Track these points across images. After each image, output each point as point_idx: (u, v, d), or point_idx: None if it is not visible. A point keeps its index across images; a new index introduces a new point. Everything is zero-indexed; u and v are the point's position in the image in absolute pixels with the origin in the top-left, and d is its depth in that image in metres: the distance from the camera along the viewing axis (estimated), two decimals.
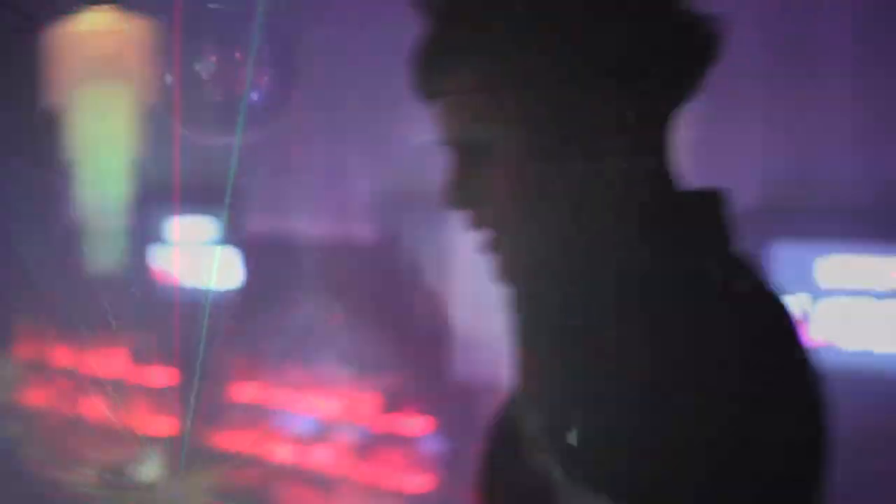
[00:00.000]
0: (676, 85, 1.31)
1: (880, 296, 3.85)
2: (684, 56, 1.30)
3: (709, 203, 1.32)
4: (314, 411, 5.43)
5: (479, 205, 1.33)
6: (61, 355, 6.42)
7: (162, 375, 6.07)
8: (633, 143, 1.28)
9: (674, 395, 1.14)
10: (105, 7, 5.97)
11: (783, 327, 1.25)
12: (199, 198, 5.75)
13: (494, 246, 1.34)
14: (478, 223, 1.35)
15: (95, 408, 6.29)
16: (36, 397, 6.53)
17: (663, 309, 1.20)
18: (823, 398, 1.24)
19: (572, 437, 1.16)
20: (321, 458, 5.38)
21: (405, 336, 5.15)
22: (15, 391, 6.54)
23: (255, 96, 4.40)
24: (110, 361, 6.25)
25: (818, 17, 3.97)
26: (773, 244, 3.95)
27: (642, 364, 1.16)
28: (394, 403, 5.19)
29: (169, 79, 4.65)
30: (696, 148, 4.21)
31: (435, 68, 1.33)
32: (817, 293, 3.93)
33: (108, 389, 6.25)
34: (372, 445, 5.23)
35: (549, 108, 1.27)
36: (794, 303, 3.96)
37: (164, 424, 6.03)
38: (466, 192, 1.34)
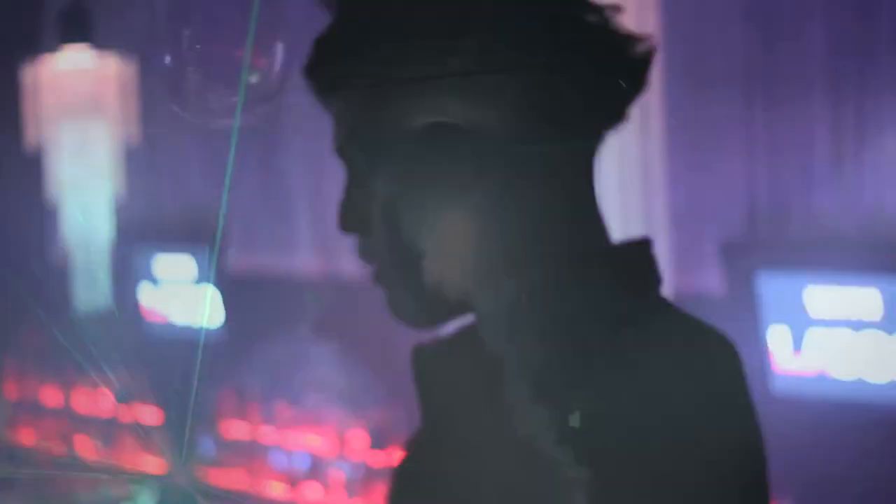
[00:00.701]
0: (599, 107, 1.16)
1: (867, 326, 3.85)
2: (610, 74, 1.15)
3: (637, 249, 1.21)
4: (305, 448, 5.41)
5: (366, 230, 1.18)
6: (50, 395, 6.40)
7: (150, 414, 6.04)
8: (549, 170, 1.14)
9: (610, 439, 1.07)
10: (84, 45, 5.97)
11: (722, 364, 1.15)
12: (184, 235, 5.74)
13: (383, 280, 1.20)
14: (365, 252, 1.20)
15: (85, 447, 6.27)
16: (25, 437, 6.50)
17: (593, 353, 1.11)
18: (761, 436, 1.16)
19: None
20: (312, 494, 5.36)
21: (395, 371, 5.13)
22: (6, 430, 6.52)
23: (253, 78, 4.38)
24: (98, 400, 6.23)
25: (802, 50, 3.98)
26: (761, 275, 3.95)
27: (575, 413, 1.08)
28: (384, 439, 5.17)
29: (168, 59, 4.64)
30: (680, 180, 4.22)
31: (329, 61, 1.19)
32: (807, 323, 3.93)
33: (97, 428, 6.23)
34: (363, 481, 5.21)
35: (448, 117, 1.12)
36: (781, 333, 3.95)
37: (153, 463, 6.00)
38: (354, 213, 1.19)
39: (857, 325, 3.86)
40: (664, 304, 1.20)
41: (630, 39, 1.16)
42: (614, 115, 1.19)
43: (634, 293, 1.18)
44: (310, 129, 5.29)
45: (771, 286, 3.94)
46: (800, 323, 3.93)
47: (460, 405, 1.17)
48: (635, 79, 1.17)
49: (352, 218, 1.20)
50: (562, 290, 1.15)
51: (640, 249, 1.21)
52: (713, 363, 1.14)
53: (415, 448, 1.31)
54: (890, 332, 3.82)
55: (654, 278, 1.21)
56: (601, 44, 1.15)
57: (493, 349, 1.14)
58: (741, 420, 1.14)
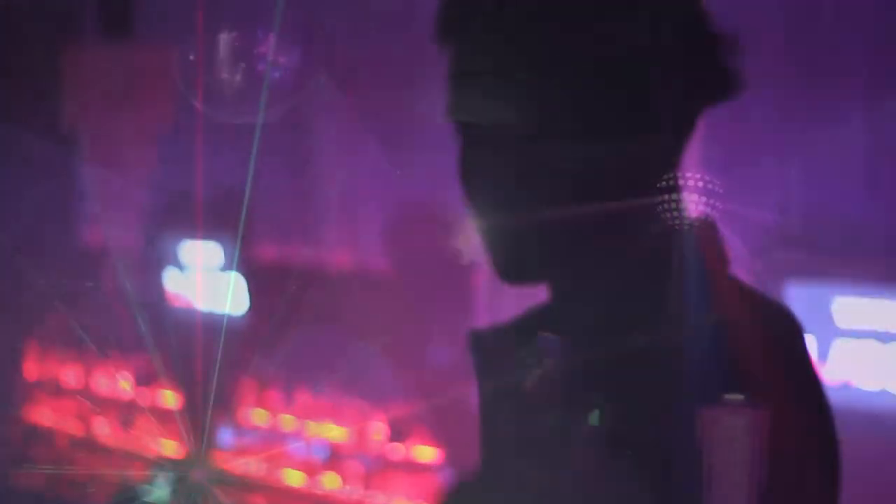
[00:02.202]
0: (694, 99, 1.23)
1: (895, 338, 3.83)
2: (704, 71, 1.22)
3: (708, 227, 1.25)
4: (323, 438, 5.41)
5: (484, 187, 1.24)
6: (71, 375, 6.41)
7: (171, 398, 6.05)
8: (644, 160, 1.21)
9: (686, 410, 1.11)
10: (123, 34, 5.99)
11: (797, 338, 1.25)
12: (212, 222, 5.74)
13: (491, 238, 1.26)
14: (479, 208, 1.25)
15: (105, 429, 6.28)
16: (45, 417, 6.51)
17: (667, 330, 1.16)
18: (831, 411, 1.23)
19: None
20: (330, 484, 5.35)
21: (417, 364, 5.13)
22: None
23: (276, 74, 4.40)
24: (118, 383, 6.24)
25: (841, 56, 3.96)
26: (790, 283, 3.93)
27: (595, 412, 1.12)
28: (403, 432, 5.16)
29: (192, 57, 4.66)
30: (710, 187, 4.19)
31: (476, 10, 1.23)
32: (834, 333, 3.90)
33: (116, 411, 6.24)
34: (380, 473, 5.21)
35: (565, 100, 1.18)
36: (808, 342, 3.93)
37: (173, 447, 6.00)
38: (473, 172, 1.25)
39: (885, 337, 3.84)
40: (738, 281, 1.28)
41: (724, 45, 1.25)
42: (705, 100, 1.28)
43: (711, 270, 1.25)
44: (338, 122, 5.28)
45: (799, 295, 3.92)
46: (827, 333, 3.90)
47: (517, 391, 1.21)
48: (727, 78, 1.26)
49: (472, 175, 1.25)
50: (643, 266, 1.22)
51: (713, 227, 1.28)
52: (794, 334, 1.32)
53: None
54: None
55: (726, 255, 1.28)
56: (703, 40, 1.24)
57: (563, 330, 1.18)
58: (819, 385, 1.27)
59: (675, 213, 1.23)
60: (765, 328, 1.20)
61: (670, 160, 1.23)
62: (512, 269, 1.24)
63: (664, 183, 1.22)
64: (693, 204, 1.24)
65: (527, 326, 1.24)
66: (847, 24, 3.94)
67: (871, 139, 3.93)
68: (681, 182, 1.23)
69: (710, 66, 1.19)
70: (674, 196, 1.24)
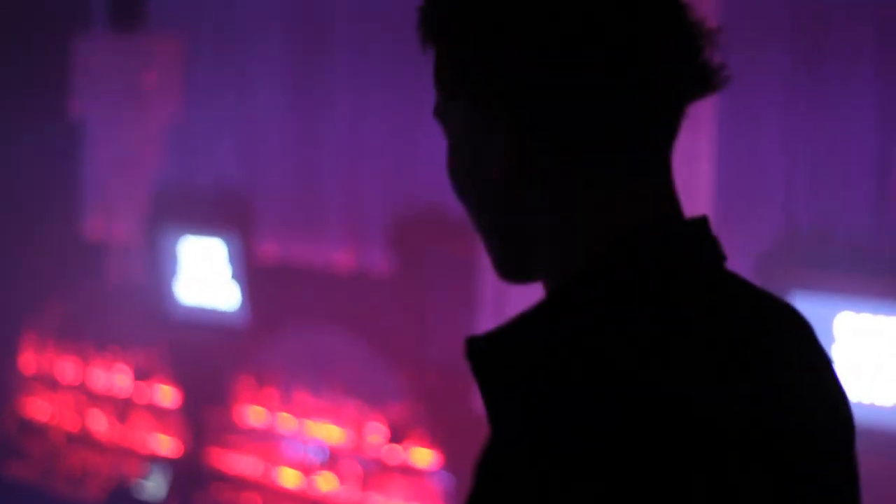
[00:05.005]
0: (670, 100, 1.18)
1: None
2: (681, 70, 1.17)
3: (700, 224, 1.22)
4: (321, 438, 5.40)
5: (468, 187, 1.22)
6: (68, 370, 6.40)
7: (169, 395, 6.04)
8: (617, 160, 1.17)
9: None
10: (131, 28, 5.99)
11: (807, 330, 1.26)
12: (213, 219, 5.73)
13: (483, 235, 1.24)
14: (466, 205, 1.24)
15: (101, 424, 6.27)
16: (41, 412, 6.50)
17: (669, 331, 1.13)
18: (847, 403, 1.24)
19: None
20: (326, 485, 5.35)
21: (417, 367, 5.12)
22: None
23: None
24: (117, 378, 6.23)
25: (851, 70, 3.94)
26: (794, 294, 3.91)
27: None
28: (401, 434, 5.15)
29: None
30: (724, 189, 4.18)
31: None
32: (836, 347, 3.90)
33: (113, 406, 6.23)
34: (377, 475, 5.20)
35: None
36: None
37: (169, 444, 6.00)
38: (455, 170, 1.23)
39: (886, 354, 3.83)
40: (737, 277, 1.25)
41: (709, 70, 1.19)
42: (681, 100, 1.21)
43: (706, 265, 1.21)
44: (347, 123, 5.27)
45: (803, 307, 3.89)
46: (827, 347, 3.89)
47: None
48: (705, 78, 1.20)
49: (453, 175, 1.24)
50: (633, 261, 1.16)
51: (705, 225, 1.23)
52: (809, 328, 1.26)
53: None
54: None
55: (720, 252, 1.24)
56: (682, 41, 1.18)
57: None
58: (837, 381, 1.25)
59: (663, 211, 1.19)
60: (779, 322, 1.21)
61: (656, 156, 1.19)
62: (507, 266, 1.23)
63: (649, 180, 1.19)
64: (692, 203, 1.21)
65: (518, 330, 1.19)
66: (861, 41, 3.93)
67: (885, 153, 3.91)
68: (671, 180, 1.19)
69: (689, 61, 1.15)
70: (660, 193, 1.20)
